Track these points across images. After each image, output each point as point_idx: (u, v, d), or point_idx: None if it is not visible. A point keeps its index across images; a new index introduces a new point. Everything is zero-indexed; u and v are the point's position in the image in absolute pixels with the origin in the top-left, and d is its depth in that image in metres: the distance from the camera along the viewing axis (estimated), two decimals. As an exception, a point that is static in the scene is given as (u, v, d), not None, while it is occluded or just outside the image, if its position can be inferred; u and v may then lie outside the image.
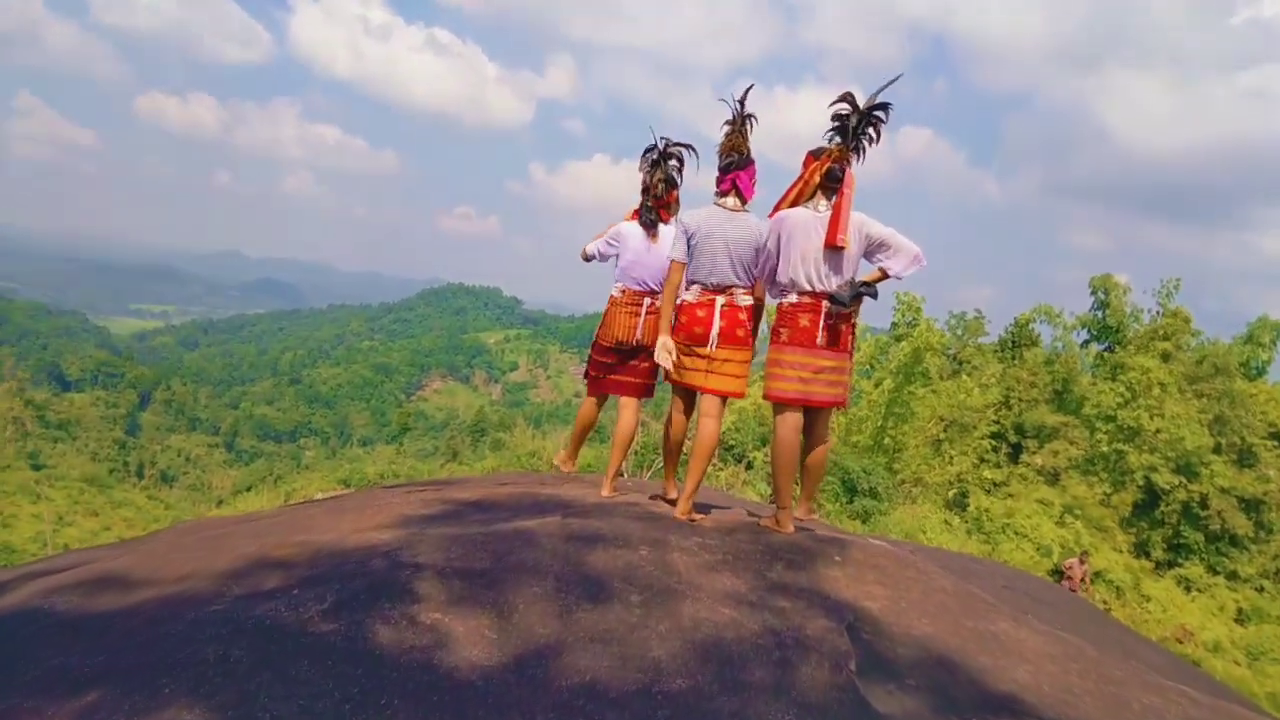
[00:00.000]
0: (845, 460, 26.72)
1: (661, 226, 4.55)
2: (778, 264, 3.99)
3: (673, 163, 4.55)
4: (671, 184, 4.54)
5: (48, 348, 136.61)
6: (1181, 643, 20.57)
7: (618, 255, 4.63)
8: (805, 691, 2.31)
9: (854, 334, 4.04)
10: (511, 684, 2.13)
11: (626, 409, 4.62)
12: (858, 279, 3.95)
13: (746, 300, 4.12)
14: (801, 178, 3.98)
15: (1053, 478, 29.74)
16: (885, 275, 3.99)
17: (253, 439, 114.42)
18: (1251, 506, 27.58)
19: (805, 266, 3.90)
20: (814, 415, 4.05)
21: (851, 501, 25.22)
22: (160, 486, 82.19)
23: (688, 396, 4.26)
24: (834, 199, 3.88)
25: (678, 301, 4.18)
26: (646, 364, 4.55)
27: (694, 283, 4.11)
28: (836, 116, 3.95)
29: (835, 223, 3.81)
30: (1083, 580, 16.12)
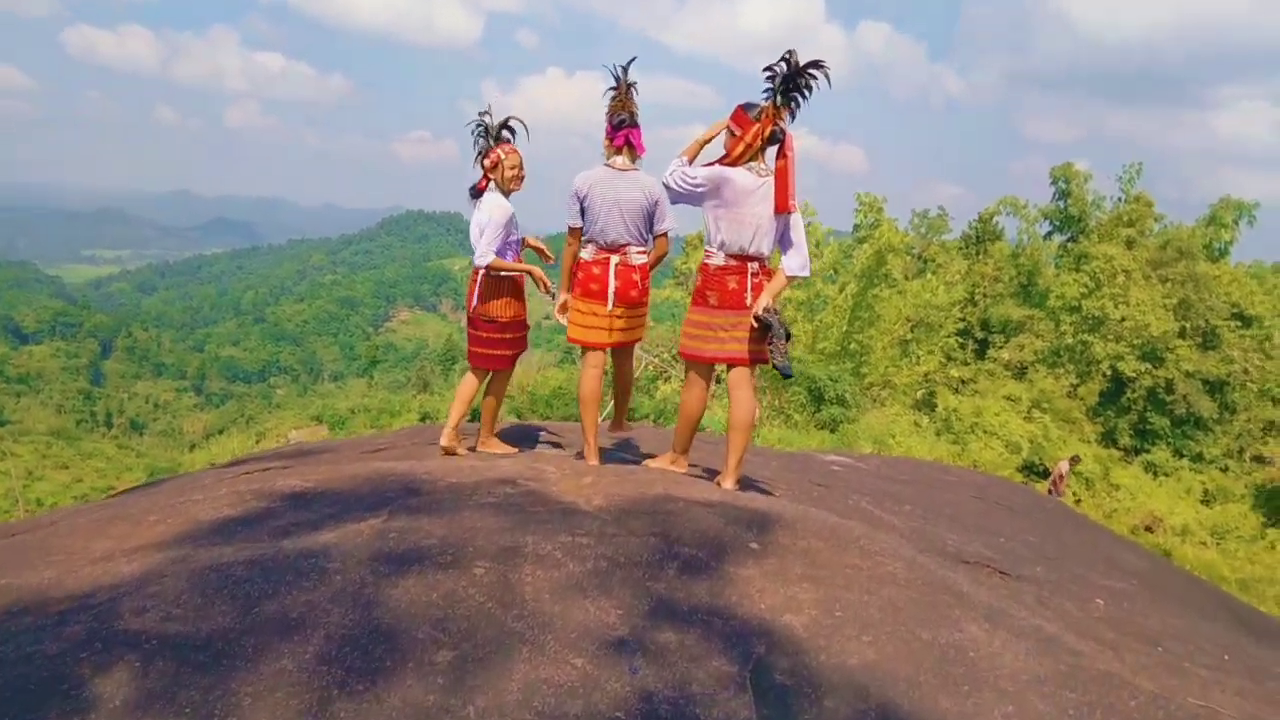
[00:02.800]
0: (811, 369, 26.23)
1: (488, 196, 4.52)
2: (709, 219, 3.90)
3: (505, 134, 4.57)
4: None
5: (0, 300, 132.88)
6: (1151, 530, 20.56)
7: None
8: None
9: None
10: None
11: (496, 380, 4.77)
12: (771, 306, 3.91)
13: (640, 259, 4.27)
14: (742, 139, 3.81)
15: (1020, 372, 29.51)
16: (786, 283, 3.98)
17: (222, 381, 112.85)
18: (1216, 388, 27.53)
19: (742, 231, 3.83)
20: (740, 373, 4.02)
21: (819, 410, 24.81)
22: (130, 435, 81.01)
23: (593, 354, 4.42)
24: (776, 162, 3.81)
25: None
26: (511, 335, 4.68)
27: (589, 241, 4.25)
28: (771, 75, 3.80)
29: (785, 189, 3.78)
30: (1060, 480, 15.77)
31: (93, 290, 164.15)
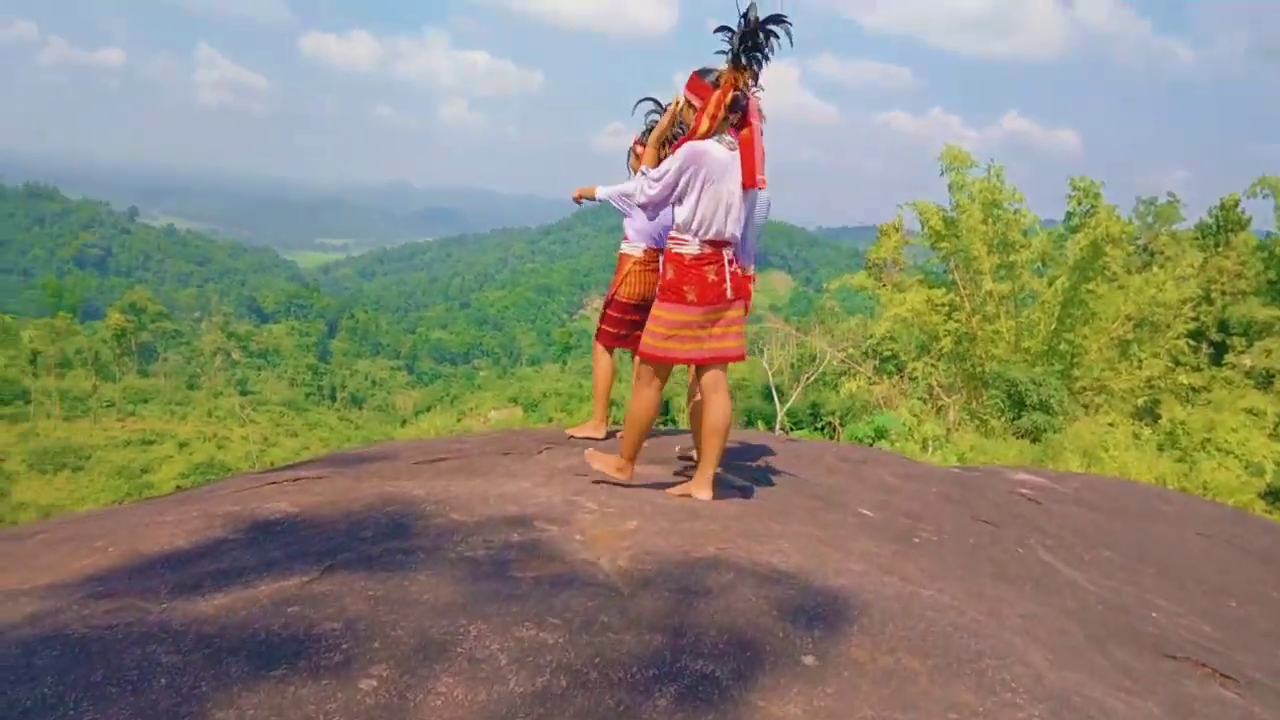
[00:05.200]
0: (1011, 370, 24.01)
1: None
2: (687, 201, 3.50)
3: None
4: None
5: (245, 283, 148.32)
6: None
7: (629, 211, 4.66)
8: None
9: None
10: None
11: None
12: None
13: (753, 270, 4.17)
14: (704, 110, 3.45)
15: (1265, 381, 25.62)
16: None
17: (430, 361, 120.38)
18: None
19: (721, 213, 3.49)
20: (717, 374, 3.77)
21: (1019, 417, 22.59)
22: (350, 408, 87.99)
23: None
24: (740, 132, 3.49)
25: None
26: None
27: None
28: (726, 34, 3.47)
29: (751, 161, 3.47)
30: None
31: (322, 275, 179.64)
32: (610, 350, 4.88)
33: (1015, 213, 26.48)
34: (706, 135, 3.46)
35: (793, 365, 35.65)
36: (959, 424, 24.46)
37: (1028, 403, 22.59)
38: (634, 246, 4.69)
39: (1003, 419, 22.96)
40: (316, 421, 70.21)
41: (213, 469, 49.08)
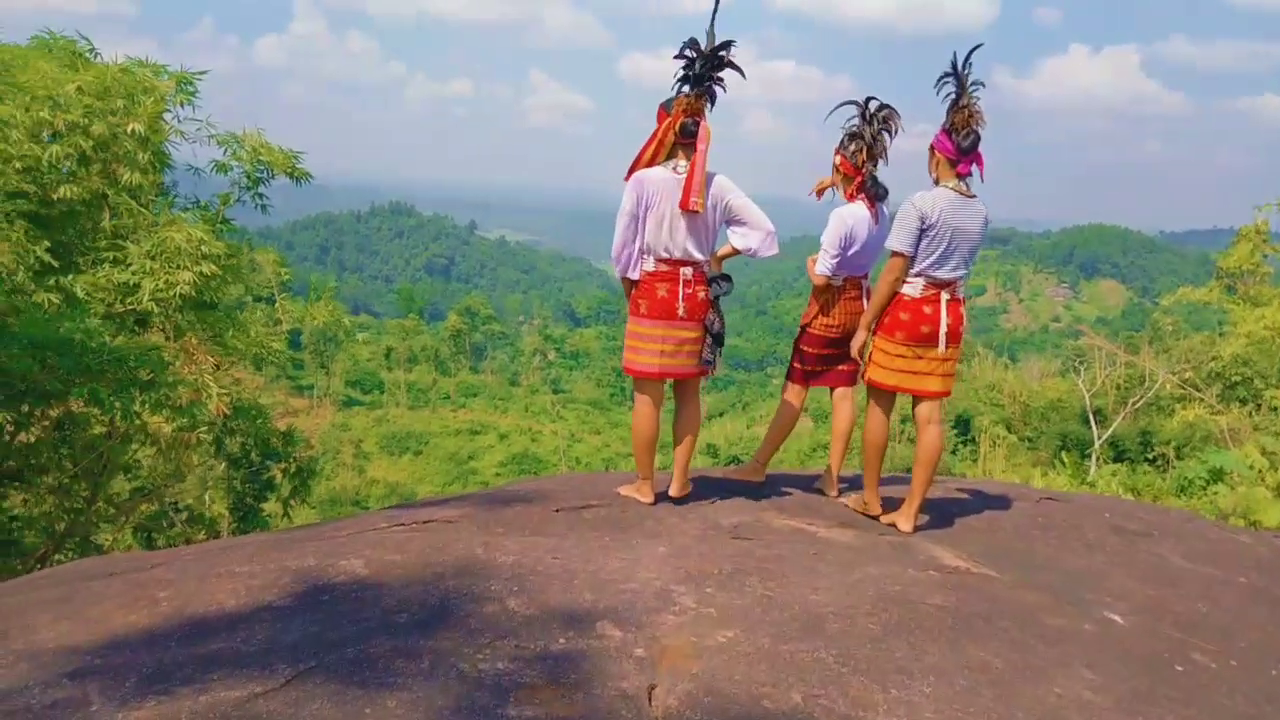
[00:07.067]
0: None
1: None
2: (640, 229, 3.76)
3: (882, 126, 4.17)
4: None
5: (562, 290, 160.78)
6: None
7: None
8: None
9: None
10: None
11: (846, 400, 4.41)
12: (714, 256, 3.92)
13: (961, 294, 3.94)
14: (655, 136, 3.71)
15: None
16: (736, 251, 3.97)
17: (726, 367, 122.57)
18: None
19: (663, 232, 3.71)
20: (683, 388, 4.00)
21: None
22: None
23: (890, 398, 4.06)
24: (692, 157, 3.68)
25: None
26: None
27: (918, 275, 3.85)
28: (682, 64, 3.69)
29: (688, 185, 3.64)
30: None
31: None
32: (805, 388, 4.42)
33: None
34: (653, 161, 3.69)
35: (1119, 387, 31.59)
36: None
37: None
38: (831, 276, 4.26)
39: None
40: (618, 421, 73.99)
41: (526, 460, 53.37)
